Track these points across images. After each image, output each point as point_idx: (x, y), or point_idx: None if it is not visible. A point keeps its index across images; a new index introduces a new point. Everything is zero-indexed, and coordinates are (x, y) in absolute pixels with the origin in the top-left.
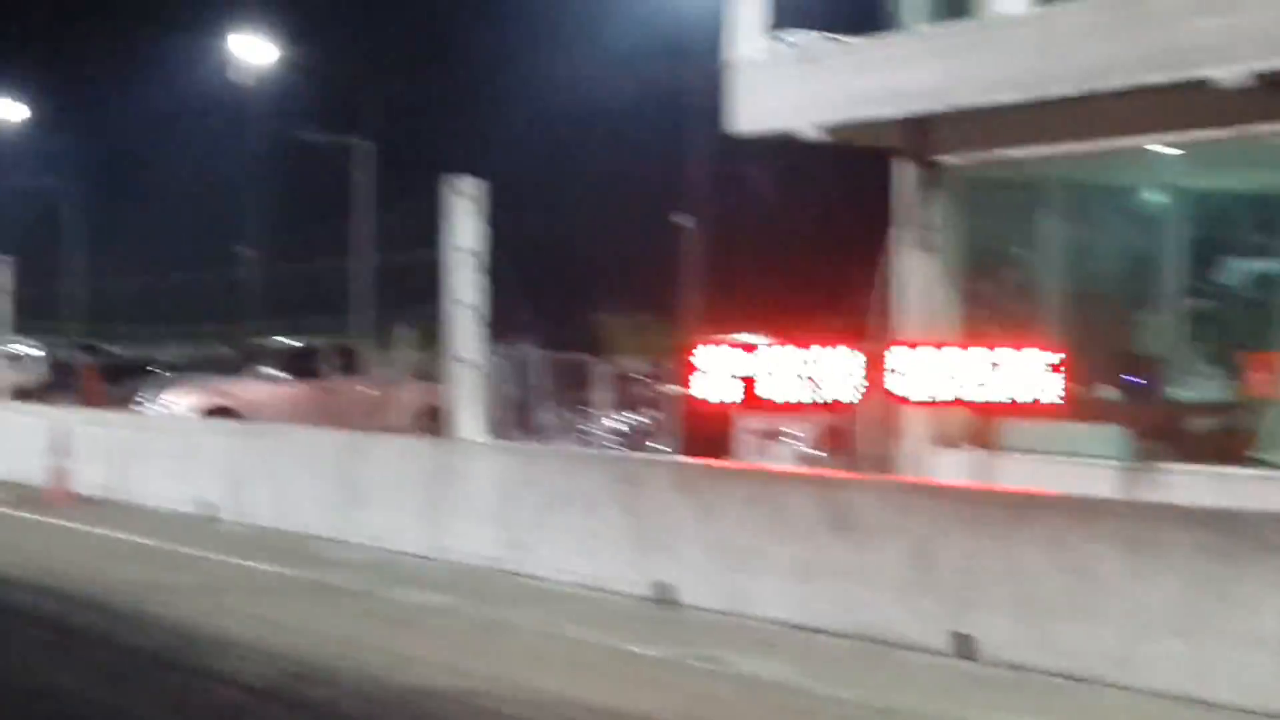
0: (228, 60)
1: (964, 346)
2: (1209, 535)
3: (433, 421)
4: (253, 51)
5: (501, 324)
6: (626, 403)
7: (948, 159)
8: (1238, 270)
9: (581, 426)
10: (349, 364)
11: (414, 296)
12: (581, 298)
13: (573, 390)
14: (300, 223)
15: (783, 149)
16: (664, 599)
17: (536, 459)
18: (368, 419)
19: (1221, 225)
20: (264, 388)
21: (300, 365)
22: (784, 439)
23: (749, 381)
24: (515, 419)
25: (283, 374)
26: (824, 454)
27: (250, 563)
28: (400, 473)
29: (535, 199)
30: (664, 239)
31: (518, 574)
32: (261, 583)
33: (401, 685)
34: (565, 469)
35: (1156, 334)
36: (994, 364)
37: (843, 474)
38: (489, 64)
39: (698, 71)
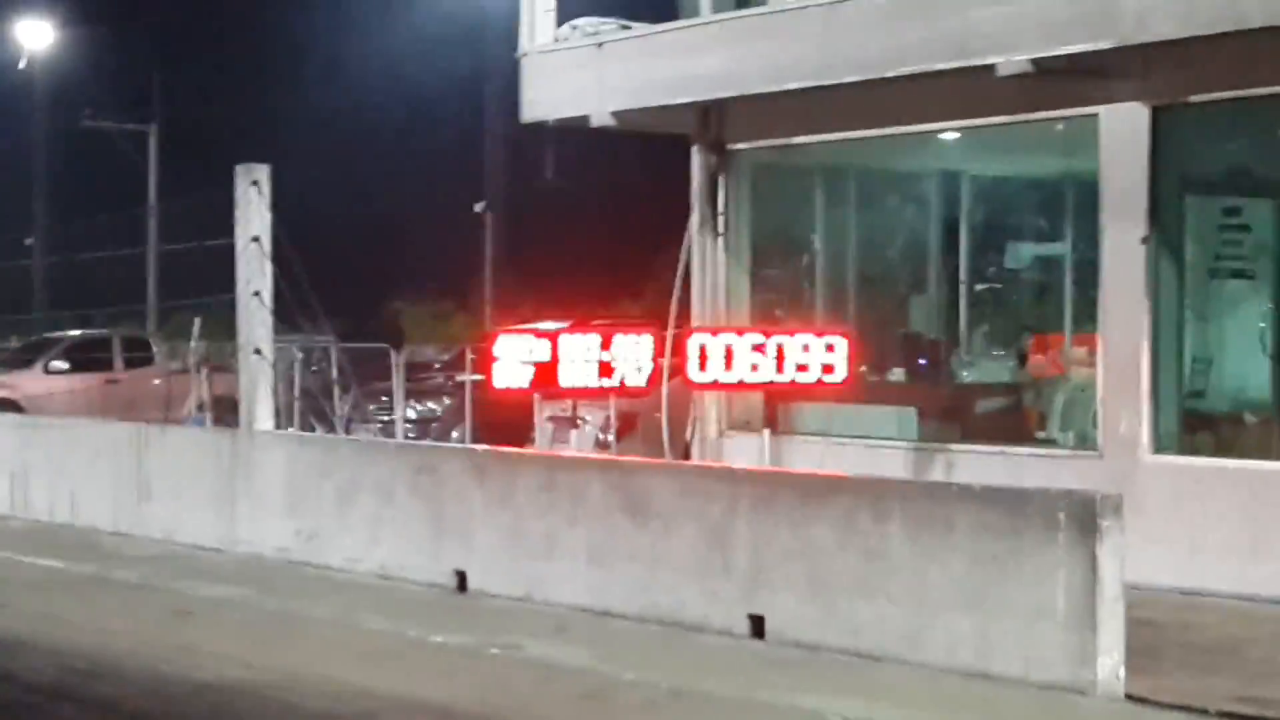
0: (8, 44)
1: (756, 331)
2: (994, 513)
3: (227, 413)
4: (35, 35)
5: (297, 313)
6: (426, 392)
7: (739, 145)
8: (1020, 254)
9: (380, 416)
10: (138, 355)
11: (206, 286)
12: (381, 287)
13: (371, 380)
14: (90, 212)
15: (585, 137)
16: (462, 587)
17: (333, 449)
18: (158, 411)
19: (1004, 210)
20: (50, 380)
21: (88, 357)
22: (584, 425)
23: (544, 367)
24: (311, 409)
25: (70, 366)
26: (621, 440)
27: (36, 559)
28: (192, 465)
29: (335, 188)
30: (465, 227)
31: (314, 565)
32: (48, 579)
33: (193, 680)
34: (362, 458)
35: (943, 317)
36: (783, 348)
37: (638, 459)
38: (288, 50)
39: (499, 59)
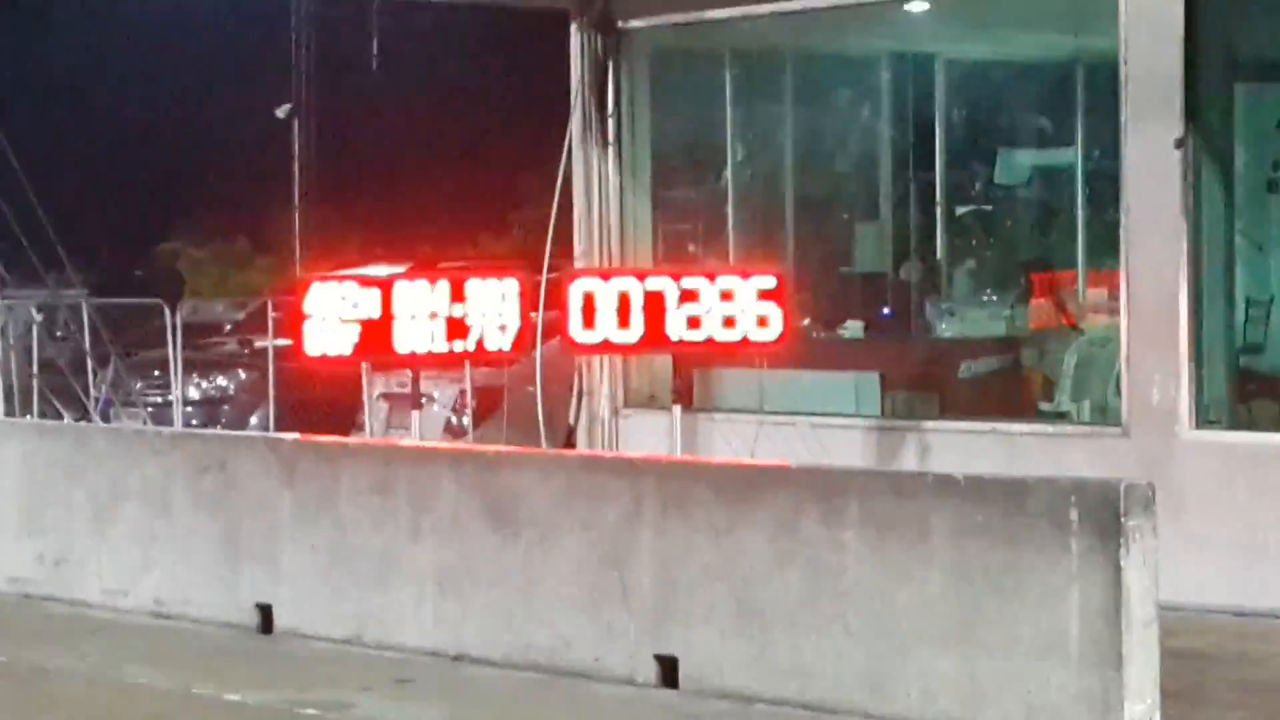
0: None
1: (661, 273)
2: (984, 512)
3: None
4: None
5: (36, 260)
6: (214, 363)
7: (633, 23)
8: (1014, 165)
9: (150, 396)
10: None
11: None
12: (149, 223)
13: (137, 348)
14: None
15: (429, 14)
16: (266, 625)
17: (85, 442)
18: None
19: (993, 106)
20: None
21: None
22: (429, 404)
23: (373, 326)
24: (55, 389)
25: None
26: (480, 423)
27: None
28: None
29: (85, 98)
30: (264, 142)
31: (63, 600)
32: None
33: None
34: (127, 454)
35: (913, 252)
36: (695, 294)
37: (504, 449)
38: None
39: None
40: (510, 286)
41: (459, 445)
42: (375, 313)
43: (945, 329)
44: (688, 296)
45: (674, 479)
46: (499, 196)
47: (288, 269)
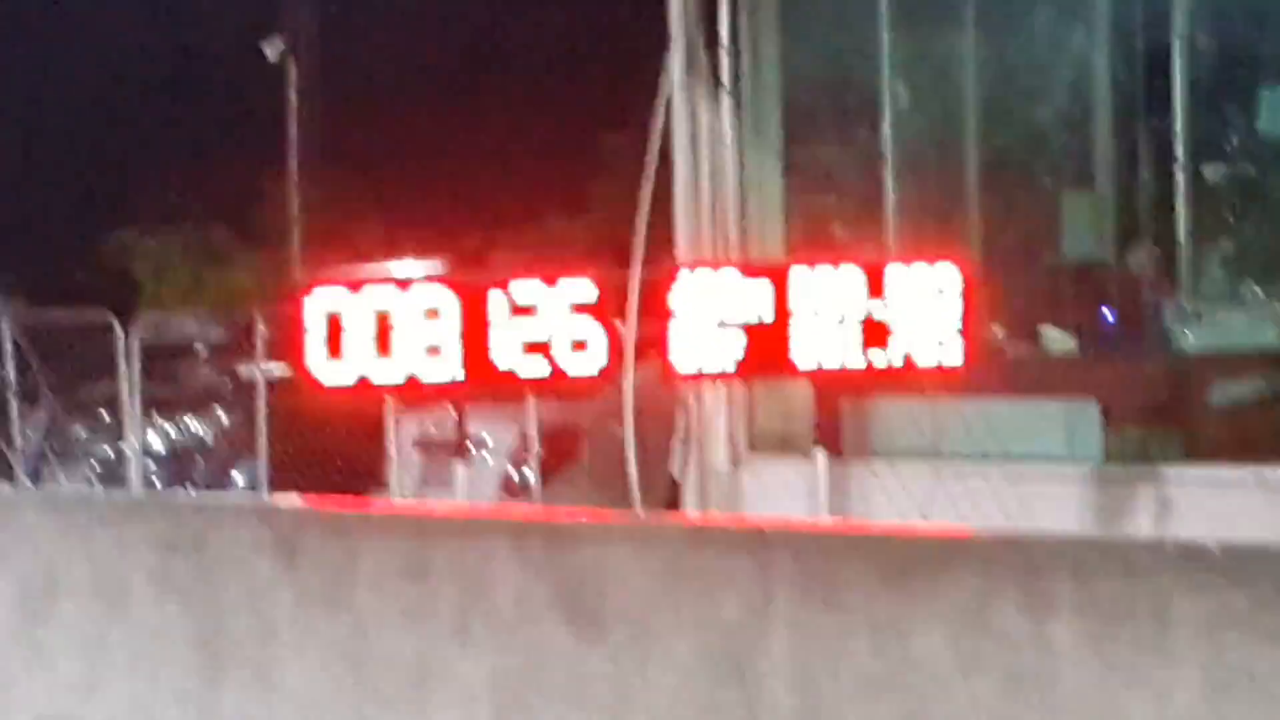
0: None
1: (798, 263)
2: (1247, 595)
3: None
4: None
5: None
6: (184, 400)
7: None
8: None
9: (97, 446)
10: None
11: None
12: (91, 206)
13: (80, 379)
14: None
15: None
16: None
17: (10, 513)
18: None
19: (1254, 26)
20: None
21: None
22: (478, 453)
23: (394, 342)
24: None
25: None
26: (551, 478)
27: None
28: None
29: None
30: (249, 91)
31: None
32: None
33: None
34: (67, 529)
35: (1143, 231)
36: (846, 292)
37: (583, 513)
38: None
39: None
40: (589, 291)
41: (521, 511)
42: (410, 327)
43: (1191, 339)
44: (854, 297)
45: (817, 555)
46: (571, 164)
47: (282, 267)
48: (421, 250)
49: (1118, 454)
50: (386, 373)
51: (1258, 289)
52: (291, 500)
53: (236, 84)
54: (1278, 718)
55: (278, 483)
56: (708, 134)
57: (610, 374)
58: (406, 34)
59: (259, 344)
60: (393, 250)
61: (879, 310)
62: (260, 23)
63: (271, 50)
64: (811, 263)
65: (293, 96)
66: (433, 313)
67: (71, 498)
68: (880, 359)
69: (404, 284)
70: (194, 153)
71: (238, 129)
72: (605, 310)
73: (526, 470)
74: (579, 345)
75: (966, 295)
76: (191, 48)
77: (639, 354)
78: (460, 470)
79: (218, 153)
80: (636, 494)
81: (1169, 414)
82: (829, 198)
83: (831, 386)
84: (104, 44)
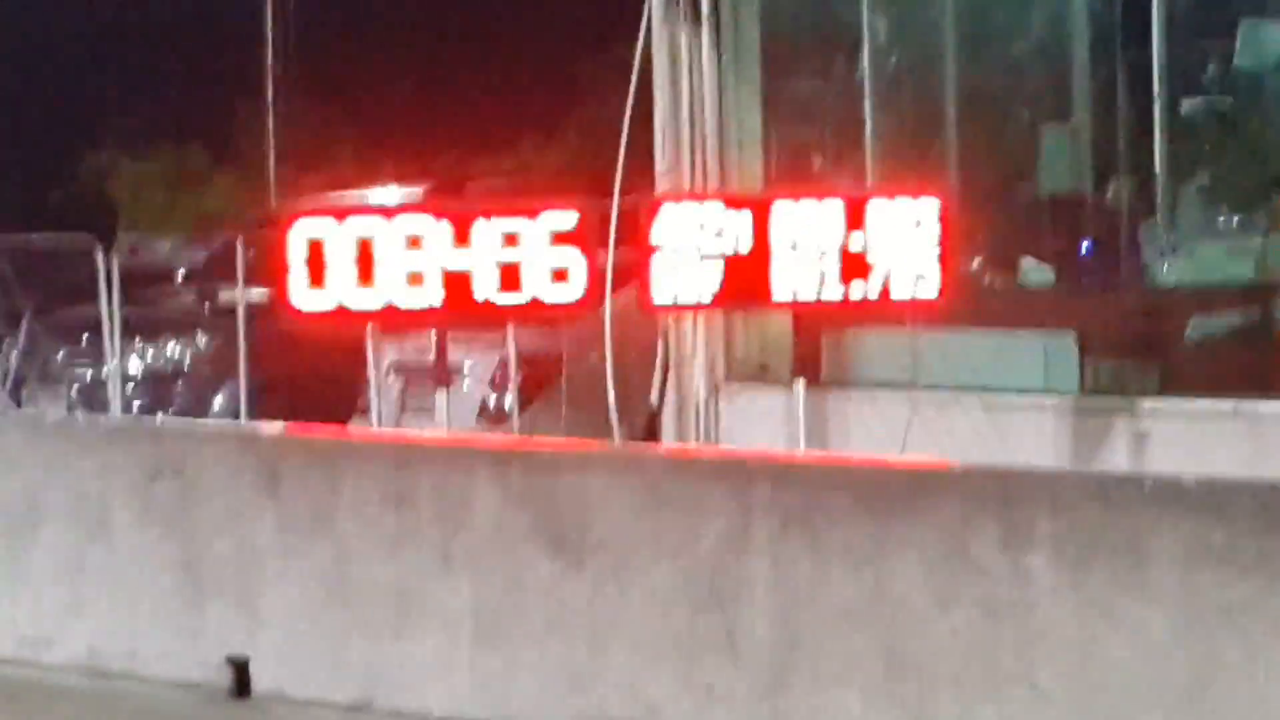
0: None
1: (776, 198)
2: (1223, 529)
3: None
4: None
5: None
6: (163, 323)
7: None
8: (1262, 40)
9: (77, 369)
10: None
11: None
12: (67, 126)
13: (60, 303)
14: None
15: None
16: (242, 687)
17: None
18: None
19: None
20: None
21: None
22: (460, 378)
23: (374, 268)
24: None
25: None
26: (528, 405)
27: None
28: None
29: None
30: (225, 7)
31: None
32: None
33: None
34: (49, 454)
35: (1122, 163)
36: (826, 225)
37: (562, 442)
38: None
39: None
40: (569, 220)
41: (502, 439)
42: (391, 251)
43: (1167, 271)
44: (830, 227)
45: (797, 485)
46: (548, 90)
47: (259, 189)
48: (399, 176)
49: (1094, 386)
50: (367, 299)
51: (1233, 221)
52: (274, 427)
53: (215, 6)
54: (1251, 650)
55: (257, 408)
56: (688, 65)
57: (589, 303)
58: None
59: (239, 267)
60: (368, 174)
61: (858, 242)
62: None
63: None
64: (794, 195)
65: (268, 14)
66: (414, 240)
67: (53, 422)
68: (859, 290)
69: (388, 212)
70: (169, 71)
71: (212, 47)
72: (585, 239)
73: (506, 397)
74: (559, 274)
75: (944, 227)
76: None
77: (618, 283)
78: (440, 397)
79: (193, 72)
80: (616, 422)
81: (1145, 346)
82: (807, 130)
83: (810, 317)
84: None
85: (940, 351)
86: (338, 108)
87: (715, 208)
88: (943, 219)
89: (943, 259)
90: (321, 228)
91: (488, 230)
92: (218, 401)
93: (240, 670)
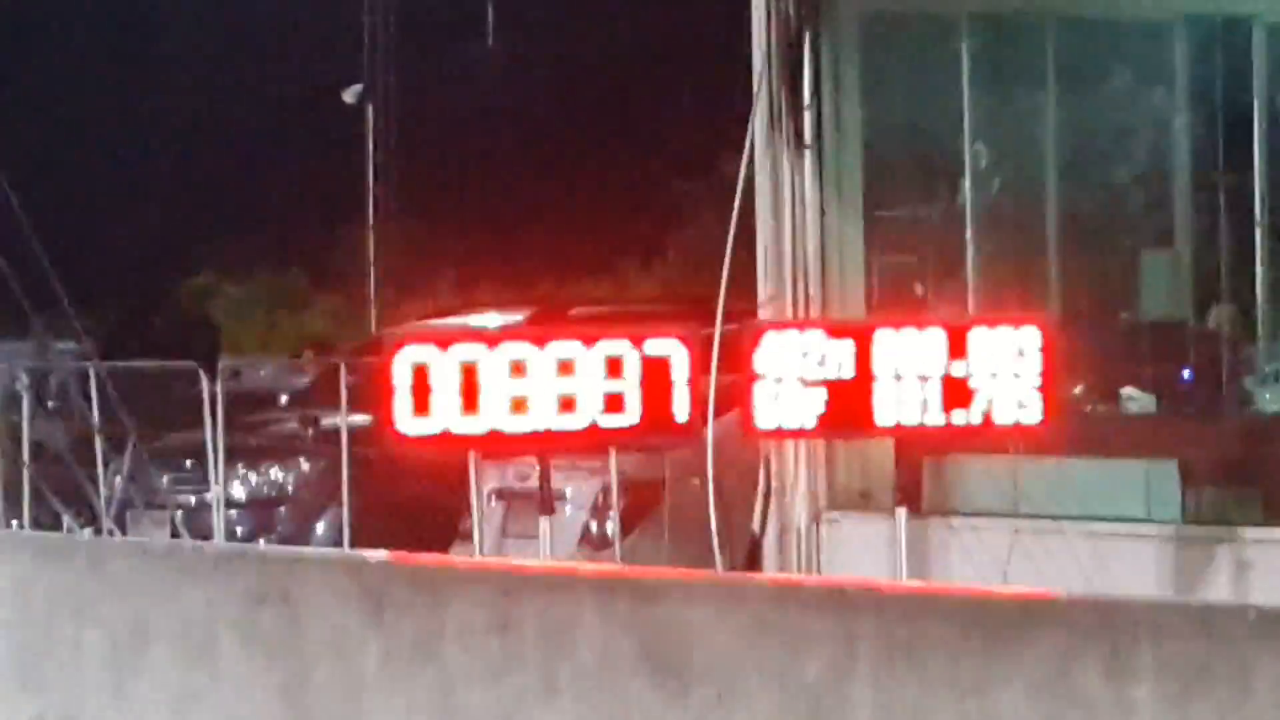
0: None
1: (878, 326)
2: None
3: None
4: None
5: (26, 306)
6: (266, 449)
7: None
8: None
9: (181, 495)
10: None
11: None
12: (169, 249)
13: (163, 426)
14: None
15: None
16: None
17: (100, 563)
18: None
19: None
20: None
21: None
22: (561, 504)
23: (474, 393)
24: (53, 485)
25: None
26: (630, 531)
27: None
28: None
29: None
30: (328, 135)
31: None
32: None
33: None
34: (153, 581)
35: (1222, 288)
36: (928, 353)
37: (667, 572)
38: None
39: None
40: (674, 348)
41: (606, 568)
42: (496, 378)
43: (1269, 399)
44: (935, 356)
45: (900, 616)
46: (651, 215)
47: (359, 313)
48: (500, 302)
49: (1196, 515)
50: (472, 425)
51: None
52: (378, 553)
53: (314, 129)
54: None
55: (359, 533)
56: (790, 191)
57: (692, 429)
58: (486, 83)
59: (343, 392)
60: (468, 299)
61: (960, 369)
62: (341, 71)
63: (351, 96)
64: (895, 324)
65: (370, 143)
66: (518, 367)
67: (159, 548)
68: (961, 418)
69: (491, 339)
70: (271, 196)
71: (314, 174)
72: (688, 365)
73: (607, 523)
74: (662, 400)
75: (1047, 355)
76: (268, 90)
77: (720, 410)
78: (543, 523)
79: (295, 197)
80: (717, 549)
81: (1249, 474)
82: (909, 256)
83: (912, 445)
84: (184, 92)
85: (1042, 479)
86: (439, 232)
87: (817, 335)
88: (1045, 347)
89: (1045, 387)
90: (426, 354)
91: (591, 357)
92: (320, 527)
93: None
